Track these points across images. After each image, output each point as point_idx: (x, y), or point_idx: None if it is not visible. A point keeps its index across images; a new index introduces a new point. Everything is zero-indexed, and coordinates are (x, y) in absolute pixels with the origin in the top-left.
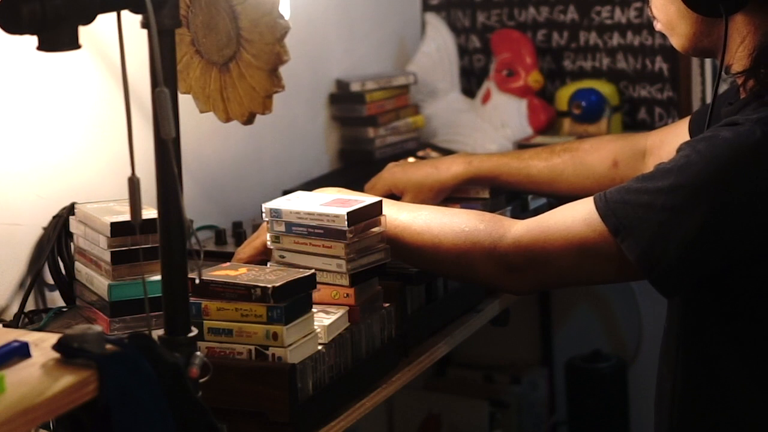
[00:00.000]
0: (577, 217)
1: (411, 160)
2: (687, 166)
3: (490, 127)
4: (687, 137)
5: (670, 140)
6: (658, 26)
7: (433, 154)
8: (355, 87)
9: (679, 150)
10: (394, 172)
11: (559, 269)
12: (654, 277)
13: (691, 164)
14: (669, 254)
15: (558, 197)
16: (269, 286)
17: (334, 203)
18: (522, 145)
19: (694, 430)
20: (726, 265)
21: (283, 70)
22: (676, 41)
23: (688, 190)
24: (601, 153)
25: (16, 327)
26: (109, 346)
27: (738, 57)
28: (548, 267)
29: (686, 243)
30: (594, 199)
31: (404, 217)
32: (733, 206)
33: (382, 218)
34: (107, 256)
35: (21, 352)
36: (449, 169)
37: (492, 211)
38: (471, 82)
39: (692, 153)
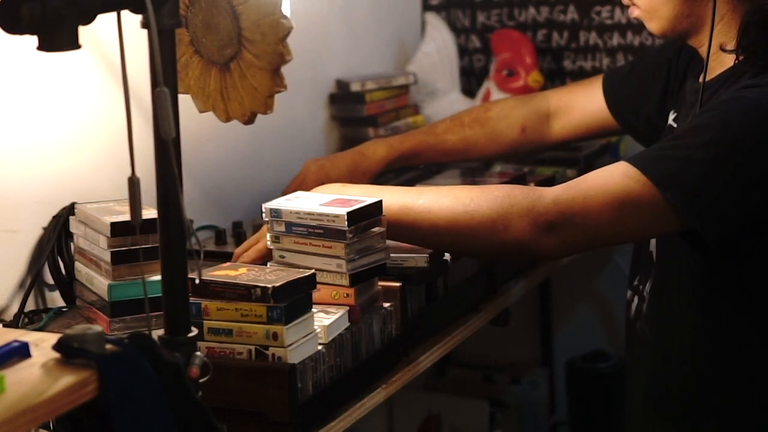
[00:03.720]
0: (615, 173)
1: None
2: (724, 123)
3: None
4: (601, 98)
5: (580, 102)
6: (635, 13)
7: None
8: (355, 87)
9: (703, 112)
10: (321, 165)
11: (598, 224)
12: (701, 222)
13: (727, 120)
14: (715, 200)
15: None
16: (269, 286)
17: (334, 203)
18: None
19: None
20: (763, 213)
21: (283, 70)
22: (656, 25)
23: (728, 143)
24: (509, 120)
25: (16, 327)
26: (109, 346)
27: (717, 34)
28: (588, 223)
29: (731, 189)
30: (626, 159)
31: (428, 197)
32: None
33: (383, 218)
34: (107, 256)
35: (21, 352)
36: (375, 153)
37: None
38: (471, 82)
39: (725, 112)
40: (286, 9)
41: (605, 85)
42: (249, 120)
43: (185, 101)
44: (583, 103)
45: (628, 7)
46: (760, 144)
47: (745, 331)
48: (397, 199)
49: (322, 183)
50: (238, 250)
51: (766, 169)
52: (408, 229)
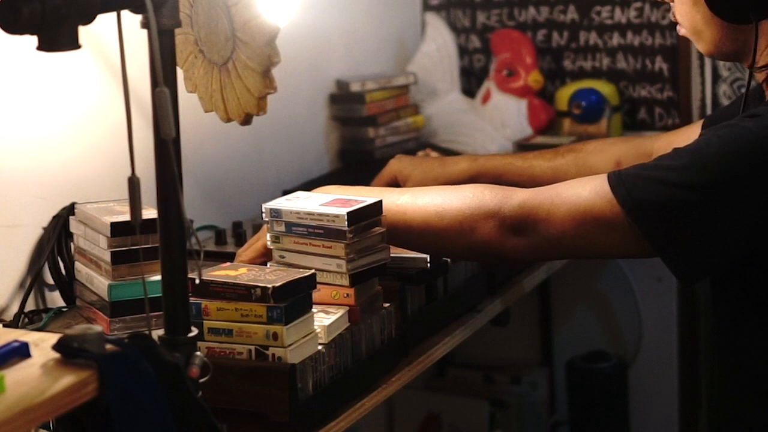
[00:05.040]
0: (587, 186)
1: (421, 153)
2: (705, 148)
3: (490, 127)
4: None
5: (679, 143)
6: (682, 31)
7: (433, 154)
8: (355, 87)
9: (700, 136)
10: (401, 160)
11: (561, 236)
12: (665, 253)
13: (710, 146)
14: (680, 232)
15: None
16: (269, 286)
17: (334, 203)
18: (522, 146)
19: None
20: (741, 253)
21: (283, 70)
22: (702, 46)
23: (702, 171)
24: (604, 154)
25: (16, 327)
26: (109, 346)
27: (763, 58)
28: (551, 232)
29: (697, 221)
30: (607, 174)
31: (406, 198)
32: (747, 192)
33: (383, 218)
34: (107, 256)
35: (21, 352)
36: (455, 164)
37: None
38: (471, 82)
39: (712, 137)
40: (285, 9)
41: (703, 127)
42: (245, 121)
43: (185, 101)
44: (681, 144)
45: (628, 7)
46: (740, 175)
47: (762, 343)
48: None
49: (395, 178)
50: (240, 251)
51: (744, 202)
52: (388, 231)
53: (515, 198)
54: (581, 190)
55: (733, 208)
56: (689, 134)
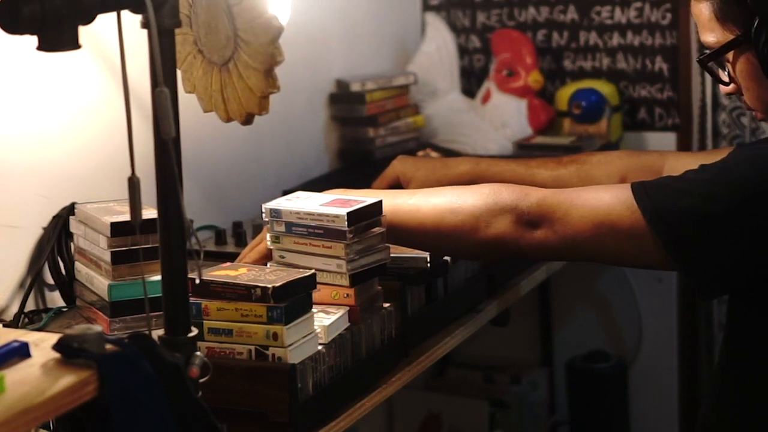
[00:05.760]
0: (609, 192)
1: (421, 153)
2: (732, 164)
3: (490, 127)
4: None
5: (694, 165)
6: (759, 116)
7: (433, 154)
8: (355, 87)
9: (729, 154)
10: (404, 162)
11: (576, 237)
12: (683, 265)
13: (737, 163)
14: (699, 244)
15: None
16: (269, 286)
17: (334, 203)
18: (522, 146)
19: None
20: (759, 270)
21: (283, 70)
22: None
23: (727, 185)
24: (609, 168)
25: (16, 327)
26: (109, 346)
27: None
28: (567, 232)
29: (717, 234)
30: (631, 183)
31: (418, 197)
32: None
33: (383, 218)
34: (107, 256)
35: (21, 352)
36: (457, 167)
37: None
38: (471, 82)
39: (740, 154)
40: (285, 9)
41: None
42: (246, 121)
43: (185, 101)
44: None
45: (628, 7)
46: (759, 192)
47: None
48: (389, 201)
49: (398, 179)
50: (244, 251)
51: (762, 218)
52: (398, 230)
53: (533, 195)
54: (603, 194)
55: (754, 224)
56: (716, 156)
